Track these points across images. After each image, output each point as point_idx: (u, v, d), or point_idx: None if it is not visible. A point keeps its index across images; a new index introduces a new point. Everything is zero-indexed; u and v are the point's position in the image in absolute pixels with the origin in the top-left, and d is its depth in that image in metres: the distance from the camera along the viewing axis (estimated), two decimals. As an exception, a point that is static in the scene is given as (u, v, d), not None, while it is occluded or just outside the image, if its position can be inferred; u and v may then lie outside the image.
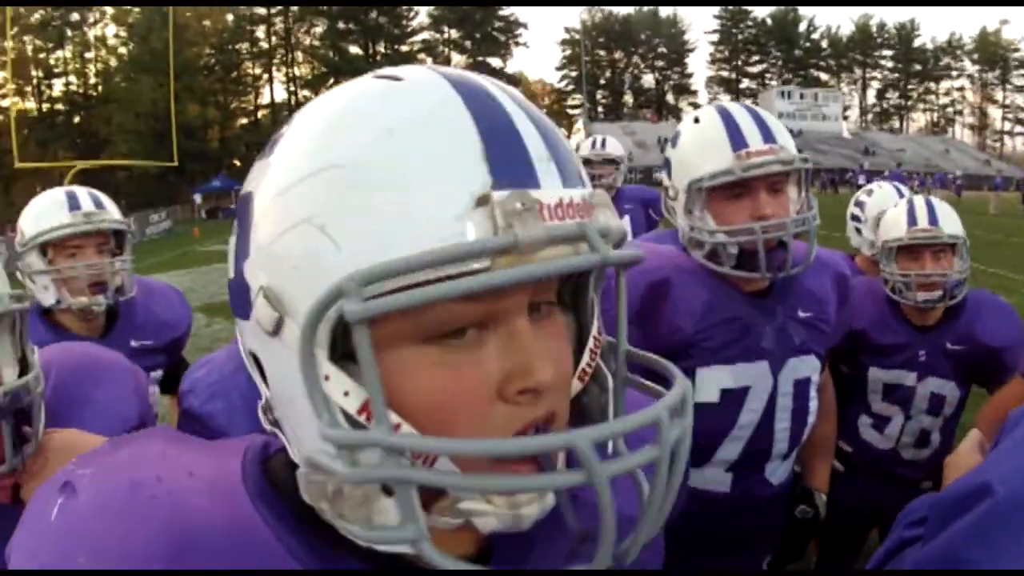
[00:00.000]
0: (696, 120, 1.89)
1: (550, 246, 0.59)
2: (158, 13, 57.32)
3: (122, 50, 71.28)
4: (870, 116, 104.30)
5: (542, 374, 0.63)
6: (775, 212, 1.74)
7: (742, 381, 1.85)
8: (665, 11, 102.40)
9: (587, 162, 4.90)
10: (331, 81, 75.48)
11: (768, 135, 1.76)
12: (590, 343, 0.73)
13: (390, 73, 0.69)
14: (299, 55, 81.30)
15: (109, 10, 70.57)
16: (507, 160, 0.62)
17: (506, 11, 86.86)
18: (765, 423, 1.89)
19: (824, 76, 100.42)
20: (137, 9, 66.90)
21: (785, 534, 2.11)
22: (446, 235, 0.58)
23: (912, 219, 2.61)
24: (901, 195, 3.44)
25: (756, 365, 1.86)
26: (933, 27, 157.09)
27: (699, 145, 1.81)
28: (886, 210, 3.13)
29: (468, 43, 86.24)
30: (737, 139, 1.75)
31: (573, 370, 0.72)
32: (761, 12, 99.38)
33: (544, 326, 0.67)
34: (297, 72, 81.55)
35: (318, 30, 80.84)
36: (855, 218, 3.70)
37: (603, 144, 5.12)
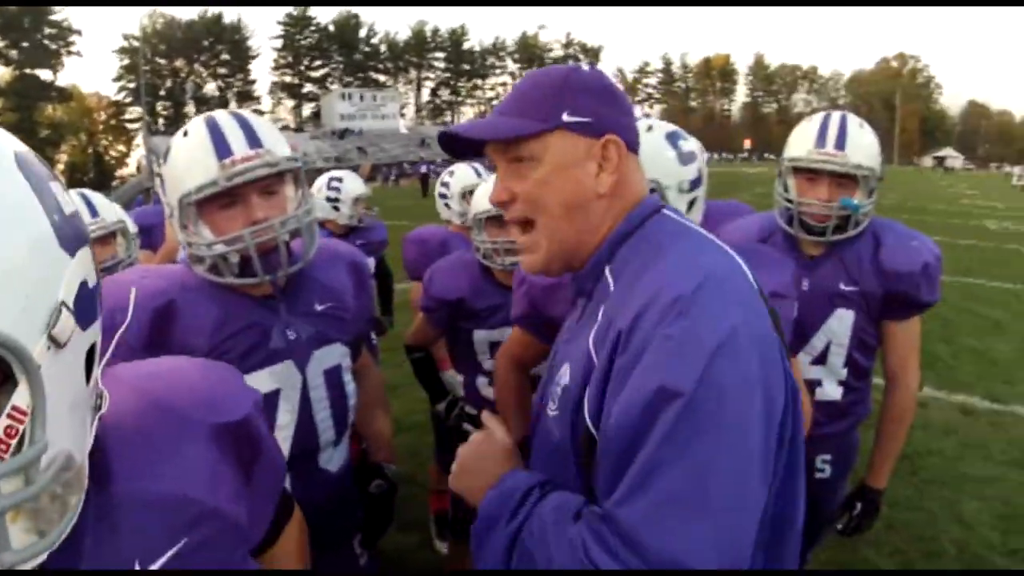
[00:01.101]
0: (185, 133, 1.79)
1: None
2: None
3: None
4: (425, 112, 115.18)
5: None
6: (268, 215, 1.73)
7: (271, 384, 1.80)
8: (229, 16, 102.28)
9: None
10: None
11: (254, 140, 1.74)
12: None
13: None
14: None
15: None
16: None
17: (58, 15, 79.57)
18: (305, 418, 1.88)
19: (383, 78, 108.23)
20: None
21: (368, 511, 2.11)
22: None
23: None
24: (478, 174, 3.90)
25: (281, 366, 1.82)
26: (481, 31, 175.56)
27: (186, 159, 1.73)
28: (467, 185, 3.77)
29: (14, 52, 77.43)
30: (222, 148, 1.71)
31: None
32: (324, 18, 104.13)
33: None
34: None
35: None
36: (443, 196, 4.10)
37: None
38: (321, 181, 4.54)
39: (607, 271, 1.24)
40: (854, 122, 2.48)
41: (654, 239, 1.21)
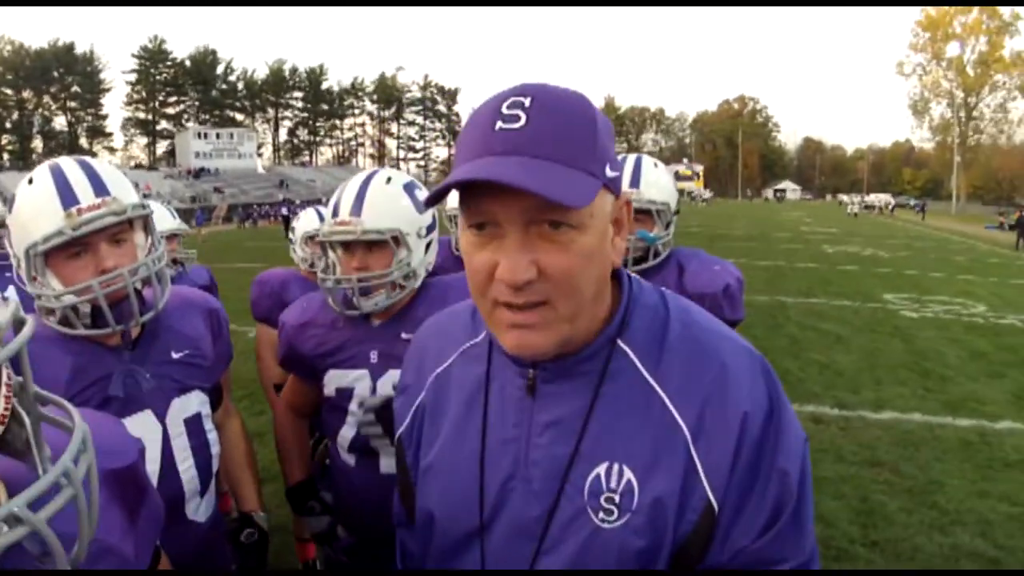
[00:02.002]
0: (30, 181, 1.75)
1: None
2: None
3: None
4: (283, 152, 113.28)
5: None
6: (118, 263, 1.71)
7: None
8: (81, 47, 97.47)
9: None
10: None
11: (100, 188, 1.70)
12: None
13: None
14: None
15: None
16: None
17: None
18: (168, 468, 1.83)
19: (240, 116, 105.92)
20: None
21: (241, 562, 2.07)
22: None
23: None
24: (322, 218, 3.75)
25: (139, 416, 1.79)
26: (339, 71, 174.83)
27: (31, 208, 1.70)
28: (310, 231, 3.74)
29: None
30: (67, 197, 1.66)
31: None
32: (180, 53, 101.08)
33: None
34: None
35: None
36: (290, 240, 4.01)
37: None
38: None
39: (621, 344, 1.05)
40: (648, 162, 2.71)
41: (652, 302, 1.10)
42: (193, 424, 1.93)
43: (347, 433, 2.26)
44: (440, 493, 1.15)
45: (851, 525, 4.70)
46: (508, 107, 0.94)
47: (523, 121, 0.93)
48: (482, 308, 1.02)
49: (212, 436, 2.00)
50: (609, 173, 0.97)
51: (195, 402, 1.95)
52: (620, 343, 1.05)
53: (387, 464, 2.20)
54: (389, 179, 2.13)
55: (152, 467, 1.78)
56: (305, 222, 3.95)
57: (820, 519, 4.75)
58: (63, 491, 0.72)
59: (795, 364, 8.96)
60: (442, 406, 1.19)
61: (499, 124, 0.94)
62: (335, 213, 2.14)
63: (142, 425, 1.79)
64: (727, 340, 1.07)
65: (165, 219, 3.93)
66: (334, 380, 2.28)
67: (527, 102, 0.94)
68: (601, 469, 1.01)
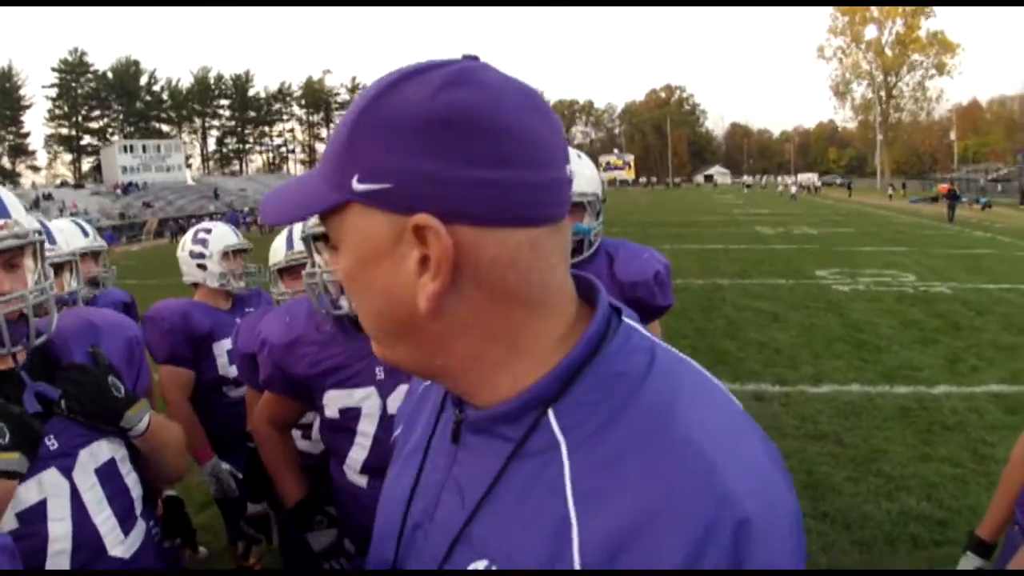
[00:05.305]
0: None
1: None
2: None
3: None
4: (212, 162, 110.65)
5: None
6: (13, 287, 1.65)
7: (35, 495, 1.58)
8: (1, 62, 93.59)
9: None
10: None
11: (2, 211, 1.68)
12: None
13: None
14: None
15: None
16: None
17: None
18: (83, 523, 1.66)
19: (166, 128, 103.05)
20: None
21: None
22: None
23: (290, 244, 2.98)
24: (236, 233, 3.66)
25: (44, 475, 1.60)
26: (266, 77, 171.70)
27: None
28: (229, 244, 3.48)
29: None
30: None
31: None
32: (102, 65, 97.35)
33: None
34: None
35: None
36: (204, 255, 3.55)
37: None
38: None
39: (551, 418, 0.74)
40: (572, 154, 2.66)
41: (625, 369, 0.75)
42: (106, 471, 1.73)
43: (357, 455, 2.12)
44: (377, 519, 0.99)
45: (800, 499, 4.59)
46: None
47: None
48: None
49: (131, 479, 1.80)
50: (357, 186, 0.71)
51: (106, 448, 1.74)
52: (550, 416, 0.75)
53: None
54: None
55: (64, 527, 1.62)
56: (220, 237, 3.50)
57: (768, 495, 4.76)
58: None
59: (733, 344, 9.05)
60: (409, 428, 1.02)
61: None
62: None
63: (47, 483, 1.61)
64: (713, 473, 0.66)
65: (75, 237, 3.45)
66: (336, 400, 2.13)
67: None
68: (480, 565, 0.77)
